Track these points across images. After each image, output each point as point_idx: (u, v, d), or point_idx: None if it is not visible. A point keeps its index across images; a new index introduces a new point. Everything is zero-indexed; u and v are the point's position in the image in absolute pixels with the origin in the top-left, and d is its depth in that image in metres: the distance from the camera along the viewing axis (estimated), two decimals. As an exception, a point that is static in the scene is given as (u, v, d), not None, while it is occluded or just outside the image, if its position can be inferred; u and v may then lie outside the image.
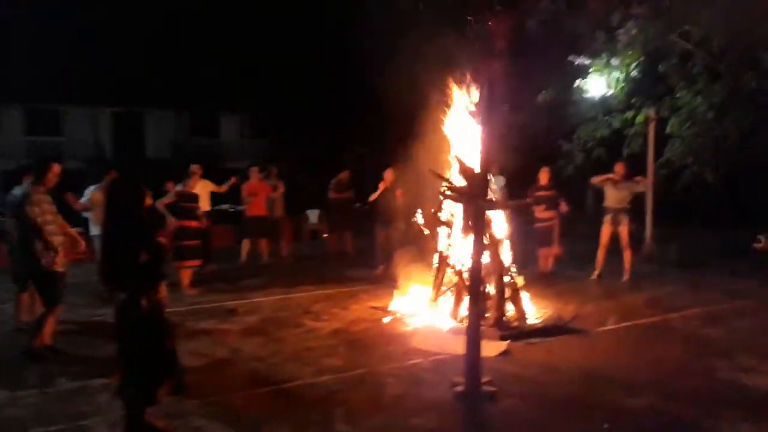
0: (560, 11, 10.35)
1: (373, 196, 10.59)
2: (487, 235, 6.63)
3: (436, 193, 7.07)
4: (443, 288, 7.36)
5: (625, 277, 9.44)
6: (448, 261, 7.19)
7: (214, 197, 11.14)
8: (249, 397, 4.86)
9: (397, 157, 9.44)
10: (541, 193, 9.98)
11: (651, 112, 11.23)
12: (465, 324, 5.35)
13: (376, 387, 5.05)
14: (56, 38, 21.34)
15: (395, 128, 8.78)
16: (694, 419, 4.40)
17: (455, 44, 6.93)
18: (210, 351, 6.10)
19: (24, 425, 4.35)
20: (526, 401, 4.72)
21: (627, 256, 9.48)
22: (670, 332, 6.71)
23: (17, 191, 5.96)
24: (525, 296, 7.21)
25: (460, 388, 4.79)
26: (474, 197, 5.13)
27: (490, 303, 6.73)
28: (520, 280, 7.19)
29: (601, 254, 9.65)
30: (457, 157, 6.56)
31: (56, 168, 5.94)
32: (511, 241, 7.44)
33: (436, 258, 7.53)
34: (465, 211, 6.71)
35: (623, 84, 10.66)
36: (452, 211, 7.42)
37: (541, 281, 9.04)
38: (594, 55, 10.60)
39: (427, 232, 7.84)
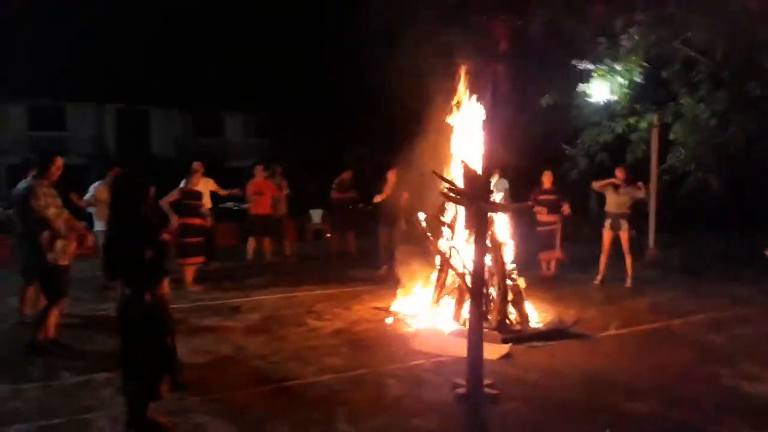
0: (563, 15, 10.36)
1: (378, 198, 10.59)
2: (490, 237, 6.63)
3: (438, 194, 7.08)
4: (445, 290, 7.37)
5: (628, 282, 9.44)
6: (450, 263, 7.19)
7: (218, 195, 11.15)
8: (251, 395, 4.88)
9: (399, 157, 9.45)
10: (544, 196, 9.99)
11: (654, 118, 11.23)
12: (467, 326, 5.35)
13: (378, 387, 5.06)
14: (62, 35, 21.40)
15: (397, 128, 8.79)
16: (696, 425, 4.41)
17: (457, 46, 6.95)
18: (213, 348, 6.12)
19: (27, 418, 4.36)
20: (528, 404, 4.73)
21: (628, 261, 9.48)
22: (672, 338, 6.71)
23: (22, 185, 5.98)
24: (527, 300, 7.20)
25: (461, 390, 4.80)
26: (476, 199, 5.14)
27: (492, 306, 6.73)
28: (522, 283, 7.19)
29: (603, 259, 9.65)
30: (460, 159, 6.57)
31: (59, 162, 5.97)
32: (513, 244, 7.45)
33: (438, 259, 7.53)
34: (467, 213, 6.72)
35: (626, 89, 10.66)
36: (455, 212, 7.43)
37: (543, 285, 9.05)
38: (597, 59, 10.61)
39: (429, 233, 7.85)
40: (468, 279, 6.60)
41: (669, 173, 11.50)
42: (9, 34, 20.22)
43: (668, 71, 10.87)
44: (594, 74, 10.77)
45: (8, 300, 7.92)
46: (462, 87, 7.41)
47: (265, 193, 11.47)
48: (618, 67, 10.53)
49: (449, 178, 6.77)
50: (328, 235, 14.18)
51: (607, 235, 9.55)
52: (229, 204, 14.61)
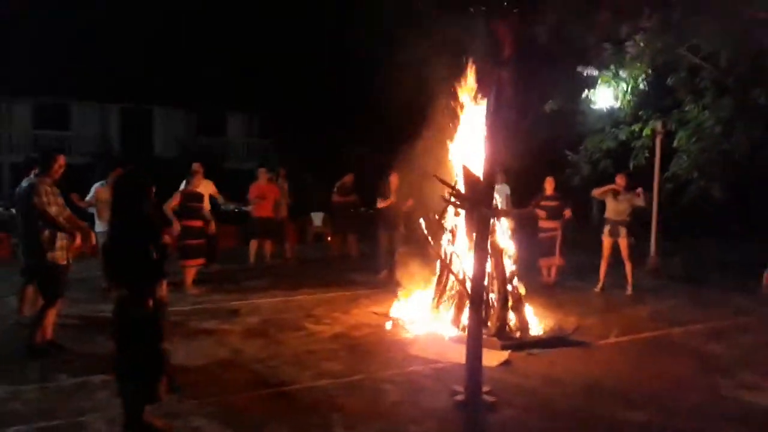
0: (569, 21, 10.34)
1: (382, 204, 10.58)
2: (491, 243, 6.61)
3: (439, 199, 7.06)
4: (445, 295, 7.34)
5: (629, 290, 9.41)
6: (450, 268, 7.17)
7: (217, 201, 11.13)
8: (249, 399, 4.86)
9: (401, 159, 9.45)
10: (546, 202, 9.97)
11: (658, 125, 11.21)
12: (466, 332, 5.33)
13: (376, 393, 5.04)
14: (66, 34, 21.41)
15: (398, 129, 8.78)
16: (694, 436, 4.39)
17: (461, 48, 6.94)
18: (211, 351, 6.10)
19: (24, 420, 4.35)
20: (527, 412, 4.71)
21: (628, 268, 9.46)
22: (673, 347, 6.68)
23: (24, 183, 5.98)
24: (527, 306, 7.18)
25: (460, 397, 4.78)
26: (478, 205, 5.12)
27: (492, 312, 6.71)
28: (522, 290, 7.17)
29: (603, 266, 9.63)
30: (462, 164, 6.56)
31: (61, 160, 5.97)
32: (514, 250, 7.43)
33: (438, 265, 7.51)
34: (468, 218, 6.71)
35: (631, 96, 10.65)
36: (456, 217, 7.41)
37: (543, 292, 9.02)
38: (602, 66, 10.59)
39: (430, 238, 7.83)
40: (468, 285, 6.59)
41: (672, 181, 11.48)
42: (13, 32, 20.27)
43: (673, 78, 10.86)
44: (599, 80, 10.77)
45: (8, 300, 7.91)
46: (465, 90, 7.39)
47: (267, 197, 11.46)
48: (623, 74, 10.52)
49: (451, 183, 6.77)
50: (329, 238, 14.17)
51: (606, 241, 9.53)
52: (231, 206, 14.61)
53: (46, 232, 5.73)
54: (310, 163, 19.94)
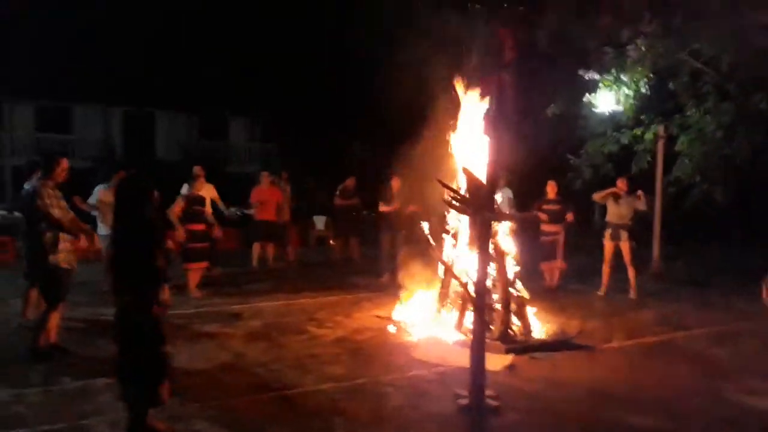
0: (570, 25, 10.37)
1: (385, 208, 10.59)
2: (493, 247, 6.61)
3: (442, 202, 7.06)
4: (448, 299, 7.33)
5: (632, 294, 9.40)
6: (453, 272, 7.16)
7: (221, 199, 11.13)
8: (250, 403, 4.85)
9: (402, 162, 9.45)
10: (548, 206, 9.97)
11: (660, 129, 11.22)
12: (469, 336, 5.33)
13: (378, 397, 5.04)
14: (68, 37, 21.48)
15: (399, 132, 8.78)
16: (698, 440, 4.38)
17: (463, 50, 6.94)
18: (213, 355, 6.10)
19: (27, 423, 4.35)
20: (530, 416, 4.70)
21: (631, 272, 9.44)
22: (676, 351, 6.66)
23: (27, 186, 5.99)
24: (530, 310, 7.17)
25: (463, 401, 4.77)
26: (480, 208, 5.12)
27: (495, 316, 6.70)
28: (525, 294, 7.16)
29: (605, 270, 9.62)
30: (464, 168, 6.56)
31: (64, 163, 5.97)
32: (517, 254, 7.42)
33: (441, 268, 7.50)
34: (471, 222, 6.71)
35: (632, 100, 10.66)
36: (458, 221, 7.40)
37: (546, 295, 9.01)
38: (603, 70, 10.60)
39: (432, 241, 7.83)
40: (471, 288, 6.58)
41: (674, 185, 11.48)
42: (15, 35, 20.32)
43: (675, 83, 10.87)
44: (600, 84, 10.78)
45: (12, 303, 7.91)
46: (467, 94, 7.38)
47: (269, 201, 11.47)
48: (624, 78, 10.53)
49: (453, 187, 6.77)
50: (331, 241, 14.17)
51: (608, 245, 9.53)
52: (233, 210, 14.63)
53: (49, 235, 5.73)
54: (312, 167, 19.97)
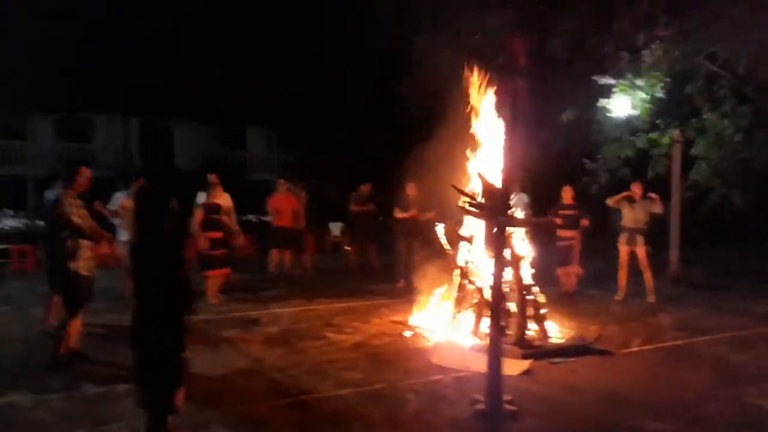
0: (585, 30, 10.38)
1: (401, 215, 10.63)
2: (509, 252, 6.61)
3: (457, 208, 7.07)
4: (465, 304, 7.34)
5: (650, 298, 9.33)
6: (469, 277, 7.17)
7: (238, 208, 11.23)
8: (269, 408, 4.89)
9: (418, 169, 9.48)
10: (564, 211, 9.94)
11: (677, 133, 11.14)
12: (486, 341, 5.33)
13: (396, 402, 5.05)
14: (88, 49, 21.83)
15: (416, 140, 8.82)
16: (718, 445, 4.34)
17: (480, 58, 6.98)
18: (232, 361, 6.16)
19: (49, 429, 4.42)
20: (547, 421, 4.69)
21: (647, 277, 9.38)
22: (695, 356, 6.61)
23: (50, 195, 6.10)
24: (547, 315, 7.15)
25: (480, 407, 4.77)
26: (495, 214, 5.13)
27: (511, 321, 6.69)
28: (541, 298, 7.15)
29: (622, 275, 9.57)
30: (479, 173, 6.58)
31: (86, 172, 6.05)
32: (533, 259, 7.41)
33: (457, 274, 7.51)
34: (487, 227, 6.71)
35: (648, 104, 10.61)
36: (474, 226, 7.41)
37: (564, 300, 8.98)
38: (618, 75, 10.58)
39: (448, 247, 7.84)
40: (487, 293, 6.59)
41: (692, 189, 11.40)
42: (36, 48, 20.69)
43: (691, 86, 10.81)
44: (615, 89, 10.75)
45: (33, 310, 8.05)
46: (482, 100, 7.41)
47: (285, 208, 11.56)
48: (640, 82, 10.50)
49: (469, 192, 6.79)
50: (347, 247, 14.22)
51: (623, 250, 9.48)
52: (251, 217, 14.75)
53: (70, 243, 5.82)
54: (328, 175, 20.09)
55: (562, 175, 11.26)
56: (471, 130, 7.47)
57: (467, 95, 7.39)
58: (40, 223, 7.38)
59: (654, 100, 10.65)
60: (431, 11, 7.23)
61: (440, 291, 7.91)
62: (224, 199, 9.80)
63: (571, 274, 9.99)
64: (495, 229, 5.13)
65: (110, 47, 22.02)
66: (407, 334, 7.24)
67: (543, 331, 6.82)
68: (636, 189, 9.47)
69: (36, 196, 20.75)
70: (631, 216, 9.44)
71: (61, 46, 21.29)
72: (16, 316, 8.08)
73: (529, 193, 11.23)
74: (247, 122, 27.55)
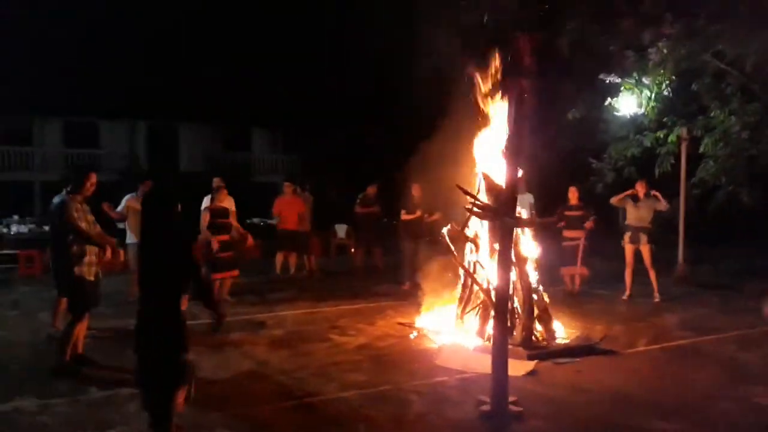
0: (591, 30, 10.34)
1: (406, 216, 10.63)
2: (515, 252, 6.58)
3: (463, 209, 7.05)
4: (470, 305, 7.31)
5: (656, 297, 9.28)
6: (474, 278, 7.15)
7: (244, 210, 11.27)
8: (274, 411, 4.89)
9: (423, 169, 9.47)
10: (571, 212, 9.92)
11: (683, 131, 11.09)
12: (491, 342, 5.31)
13: (401, 404, 5.03)
14: (94, 55, 21.96)
15: (420, 140, 8.81)
16: (726, 446, 4.30)
17: (484, 59, 6.95)
18: (237, 363, 6.16)
19: (54, 432, 4.43)
20: (553, 422, 4.66)
21: (652, 276, 9.35)
22: (702, 355, 6.56)
23: (56, 199, 6.11)
24: (553, 315, 7.11)
25: (485, 408, 4.75)
26: (501, 214, 5.11)
27: (517, 321, 6.67)
28: (547, 299, 7.11)
29: (628, 274, 9.54)
30: (484, 173, 6.56)
31: (93, 177, 6.08)
32: (538, 260, 7.38)
33: (462, 275, 7.49)
34: (492, 228, 6.69)
35: (654, 103, 10.57)
36: (479, 227, 7.39)
37: (569, 300, 8.94)
38: (625, 73, 10.53)
39: (453, 248, 7.82)
40: (493, 294, 6.56)
41: (699, 187, 11.34)
42: (43, 54, 20.81)
43: (698, 84, 10.76)
44: (622, 88, 10.71)
45: (41, 315, 8.08)
46: (487, 100, 7.38)
47: (291, 211, 11.56)
48: (646, 81, 10.45)
49: (474, 193, 6.77)
50: (352, 250, 14.22)
51: (628, 249, 9.45)
52: (256, 220, 14.78)
53: (75, 247, 5.84)
54: (333, 176, 20.11)
55: (569, 175, 11.24)
56: (477, 132, 7.44)
57: (472, 94, 7.37)
58: (47, 228, 7.39)
59: (660, 98, 10.59)
60: (431, 11, 7.20)
61: (445, 292, 7.89)
62: (228, 203, 9.81)
63: (575, 274, 9.96)
64: (500, 230, 5.11)
65: (115, 52, 22.17)
66: (412, 335, 7.22)
67: (548, 332, 6.78)
68: (640, 188, 9.44)
69: (42, 201, 20.87)
70: (635, 215, 9.41)
71: (67, 51, 21.44)
72: (24, 321, 8.11)
73: (535, 192, 11.22)
74: (252, 124, 27.64)
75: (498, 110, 7.21)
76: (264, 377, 5.75)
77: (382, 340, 7.13)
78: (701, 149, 11.01)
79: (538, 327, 6.77)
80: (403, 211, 10.77)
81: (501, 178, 5.48)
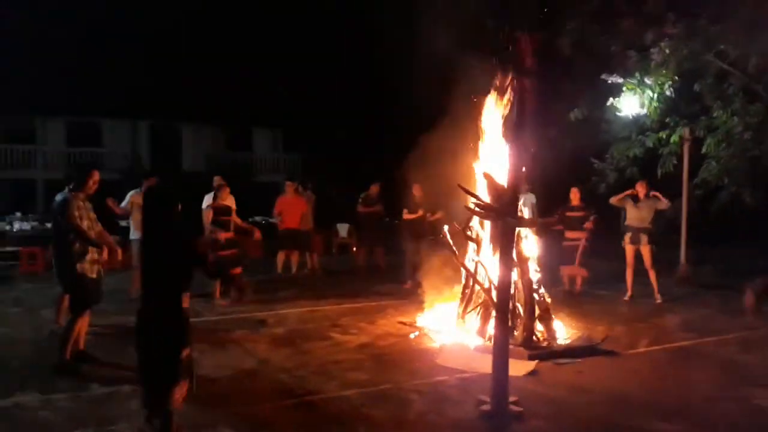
0: (591, 30, 10.35)
1: (408, 216, 10.64)
2: (516, 252, 6.58)
3: (464, 208, 7.05)
4: (471, 305, 7.32)
5: (657, 298, 9.27)
6: (476, 278, 7.15)
7: (246, 209, 11.27)
8: (275, 409, 4.89)
9: (423, 169, 9.47)
10: (572, 213, 9.91)
11: (686, 131, 11.07)
12: (492, 342, 5.31)
13: (401, 403, 5.04)
14: (97, 54, 22.00)
15: (421, 140, 8.81)
16: (726, 446, 4.30)
17: (485, 58, 6.95)
18: (238, 361, 6.16)
19: (55, 429, 4.44)
20: (554, 423, 4.66)
21: (652, 276, 9.34)
22: (703, 357, 6.56)
23: (58, 197, 6.12)
24: (554, 316, 7.12)
25: (486, 408, 4.75)
26: (502, 214, 5.11)
27: (518, 321, 6.67)
28: (548, 299, 7.11)
29: (629, 274, 9.53)
30: (485, 173, 6.55)
31: (96, 175, 6.08)
32: (540, 260, 7.38)
33: (464, 274, 7.49)
34: (493, 227, 6.69)
35: (657, 103, 10.56)
36: (481, 227, 7.39)
37: (570, 301, 8.94)
38: (627, 73, 10.53)
39: (455, 248, 7.82)
40: (494, 294, 6.56)
41: (701, 187, 11.32)
42: (47, 53, 20.84)
43: (700, 84, 10.74)
44: (624, 88, 10.70)
45: (43, 312, 8.10)
46: (489, 99, 7.38)
47: (292, 210, 11.57)
48: (648, 81, 10.44)
49: (475, 192, 6.76)
50: (354, 249, 14.21)
51: (628, 249, 9.45)
52: (258, 218, 14.78)
53: (77, 245, 5.85)
54: (334, 175, 20.12)
55: (571, 175, 11.23)
56: (479, 131, 7.44)
57: (475, 95, 7.38)
58: (49, 225, 7.40)
59: (663, 99, 10.58)
60: (431, 11, 7.21)
61: (447, 292, 7.89)
62: (230, 201, 9.83)
63: (575, 274, 9.95)
64: (501, 230, 5.11)
65: (117, 52, 22.21)
66: (413, 335, 7.23)
67: (549, 332, 6.78)
68: (640, 188, 9.44)
69: (45, 199, 20.91)
70: (635, 215, 9.41)
71: (69, 50, 21.46)
72: (26, 318, 8.13)
73: (537, 193, 11.22)
74: (253, 124, 27.67)
75: (499, 110, 7.22)
76: (265, 375, 5.76)
77: (383, 339, 7.13)
78: (704, 150, 10.99)
79: (540, 327, 6.77)
80: (404, 211, 10.78)
81: (503, 178, 5.48)
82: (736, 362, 6.34)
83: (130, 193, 9.29)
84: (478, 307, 7.15)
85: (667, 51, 9.94)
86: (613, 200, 9.73)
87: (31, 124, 24.43)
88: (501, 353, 4.79)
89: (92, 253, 5.91)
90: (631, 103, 10.79)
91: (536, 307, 6.74)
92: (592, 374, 5.83)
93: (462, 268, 7.43)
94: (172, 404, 4.05)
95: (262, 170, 27.27)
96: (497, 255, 5.78)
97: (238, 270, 9.30)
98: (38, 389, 5.21)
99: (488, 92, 7.20)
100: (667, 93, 10.51)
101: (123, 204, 9.23)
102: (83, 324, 5.97)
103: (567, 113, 11.39)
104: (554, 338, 6.76)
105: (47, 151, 24.49)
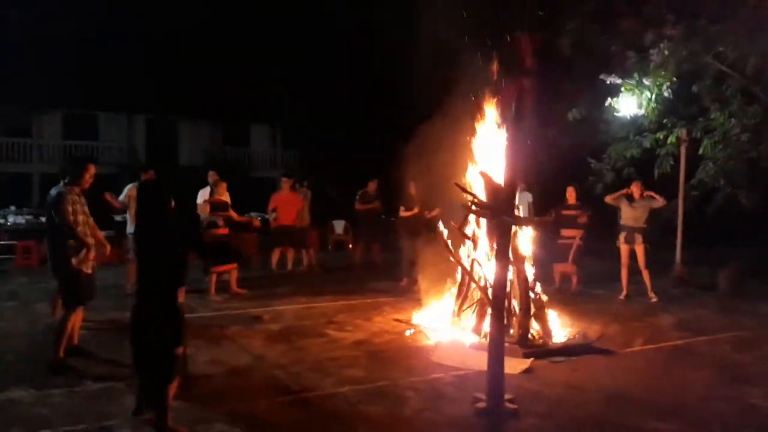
0: (591, 30, 10.35)
1: (405, 213, 10.65)
2: (512, 250, 6.58)
3: (461, 206, 7.05)
4: (467, 303, 7.32)
5: (652, 297, 9.30)
6: (472, 275, 7.15)
7: (243, 205, 11.29)
8: (270, 405, 4.88)
9: (420, 167, 9.46)
10: (568, 212, 9.93)
11: (683, 132, 11.09)
12: (488, 340, 5.32)
13: (397, 400, 5.04)
14: (94, 48, 21.93)
15: (419, 137, 8.80)
16: (720, 446, 4.31)
17: (484, 56, 6.95)
18: (233, 358, 6.15)
19: (50, 424, 4.42)
20: (549, 420, 4.66)
21: (645, 276, 9.38)
22: (698, 356, 6.57)
23: (53, 191, 6.09)
24: (550, 314, 7.13)
25: (481, 405, 4.76)
26: (499, 213, 5.11)
27: (514, 319, 6.67)
28: (544, 297, 7.12)
29: (624, 274, 9.57)
30: (482, 172, 6.55)
31: (92, 168, 6.04)
32: (535, 258, 7.39)
33: (460, 272, 7.50)
34: (490, 226, 6.69)
35: (655, 104, 10.57)
36: (477, 225, 7.39)
37: (566, 299, 8.94)
38: (625, 74, 10.54)
39: (451, 245, 7.82)
40: (490, 292, 6.56)
41: (698, 188, 11.35)
42: (44, 47, 20.76)
43: (698, 86, 10.76)
44: (622, 88, 10.71)
45: (38, 306, 8.08)
46: (487, 99, 7.38)
47: (288, 206, 11.56)
48: (646, 82, 10.45)
49: (472, 191, 6.76)
50: (350, 245, 14.21)
51: (623, 248, 9.50)
52: (253, 214, 14.75)
53: (72, 240, 5.82)
54: (331, 172, 20.10)
55: (568, 175, 11.24)
56: (476, 130, 7.44)
57: (474, 94, 7.37)
58: (44, 219, 7.38)
59: (661, 100, 10.60)
60: (431, 10, 7.20)
61: (443, 290, 7.89)
62: (226, 196, 9.83)
63: (568, 272, 9.97)
64: (498, 228, 5.11)
65: (115, 46, 22.17)
66: (409, 332, 7.23)
67: (545, 330, 6.79)
68: (635, 188, 9.48)
69: (41, 192, 20.84)
70: (630, 215, 9.45)
71: (67, 44, 21.39)
72: (21, 312, 8.10)
73: (534, 192, 11.23)
74: (251, 120, 27.64)
75: (498, 109, 7.23)
76: (260, 372, 5.75)
77: (379, 336, 7.14)
78: (701, 151, 11.02)
79: (535, 325, 6.78)
80: (401, 208, 10.79)
81: (500, 177, 5.48)
82: (731, 361, 6.35)
83: (128, 186, 9.29)
84: (474, 305, 7.16)
85: (666, 52, 9.95)
86: (608, 199, 9.77)
87: (28, 117, 24.35)
88: (496, 351, 4.79)
89: (85, 249, 5.89)
90: (629, 104, 10.80)
91: (532, 305, 6.75)
92: (587, 372, 5.84)
93: (458, 266, 7.43)
94: (167, 399, 4.05)
95: (259, 166, 27.28)
96: (493, 253, 5.79)
97: (233, 265, 9.29)
98: (33, 384, 5.19)
99: (487, 92, 7.20)
100: (665, 94, 10.53)
101: (121, 198, 9.22)
102: (77, 319, 5.95)
103: (565, 113, 11.40)
104: (550, 336, 6.77)
105: (43, 144, 24.44)
